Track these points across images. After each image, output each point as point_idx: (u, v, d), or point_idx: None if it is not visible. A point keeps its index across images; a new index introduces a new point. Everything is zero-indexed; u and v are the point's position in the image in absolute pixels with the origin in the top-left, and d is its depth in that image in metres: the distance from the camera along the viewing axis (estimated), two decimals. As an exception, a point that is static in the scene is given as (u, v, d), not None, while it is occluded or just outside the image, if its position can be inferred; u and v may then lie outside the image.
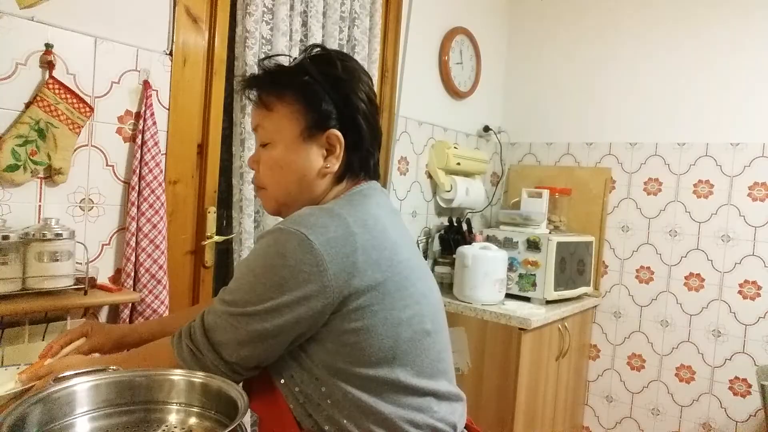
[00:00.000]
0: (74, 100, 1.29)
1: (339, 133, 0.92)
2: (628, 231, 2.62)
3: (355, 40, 1.95)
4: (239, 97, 1.64)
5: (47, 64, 1.27)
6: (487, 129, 2.84)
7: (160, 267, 1.44)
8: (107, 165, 1.42)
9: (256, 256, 0.84)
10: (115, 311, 1.45)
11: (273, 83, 0.93)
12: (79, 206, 1.37)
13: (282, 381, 0.87)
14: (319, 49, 0.97)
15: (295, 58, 0.98)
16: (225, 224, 1.76)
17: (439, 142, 2.53)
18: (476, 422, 1.05)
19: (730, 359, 2.37)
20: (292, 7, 1.71)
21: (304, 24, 1.78)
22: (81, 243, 1.33)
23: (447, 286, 2.41)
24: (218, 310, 0.86)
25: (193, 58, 1.56)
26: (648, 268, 2.56)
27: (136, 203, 1.42)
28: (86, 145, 1.37)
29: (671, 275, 2.51)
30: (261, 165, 0.95)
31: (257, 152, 0.97)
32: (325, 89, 0.91)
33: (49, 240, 1.22)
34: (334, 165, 0.93)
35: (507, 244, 2.43)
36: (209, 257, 1.65)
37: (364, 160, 0.97)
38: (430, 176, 2.55)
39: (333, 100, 0.92)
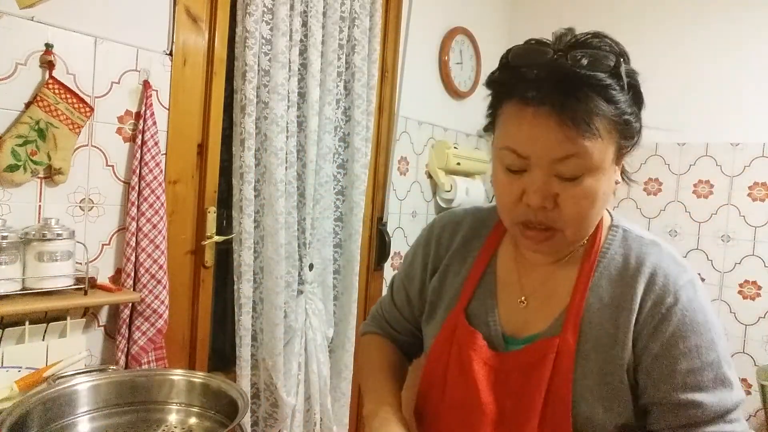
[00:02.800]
0: (74, 100, 1.29)
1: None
2: (628, 231, 2.62)
3: (355, 40, 1.95)
4: (238, 96, 1.64)
5: (47, 64, 1.27)
6: (487, 129, 2.84)
7: (160, 267, 1.44)
8: (107, 165, 1.42)
9: (701, 323, 0.76)
10: (115, 311, 1.45)
11: (603, 95, 0.71)
12: (79, 206, 1.37)
13: None
14: (601, 40, 0.75)
15: (591, 51, 0.72)
16: (225, 224, 1.76)
17: (439, 142, 2.53)
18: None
19: (730, 359, 2.37)
20: (292, 7, 1.71)
21: (304, 24, 1.78)
22: (81, 243, 1.33)
23: (447, 286, 2.41)
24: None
25: (193, 58, 1.56)
26: (648, 268, 2.56)
27: (136, 203, 1.42)
28: (86, 145, 1.37)
29: (671, 275, 2.51)
30: (565, 201, 0.74)
31: (550, 184, 0.73)
32: (632, 98, 0.75)
33: (49, 240, 1.22)
34: (620, 179, 0.82)
35: (507, 244, 2.43)
36: (209, 257, 1.65)
37: None
38: (430, 176, 2.55)
39: (639, 108, 0.77)
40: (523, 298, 0.86)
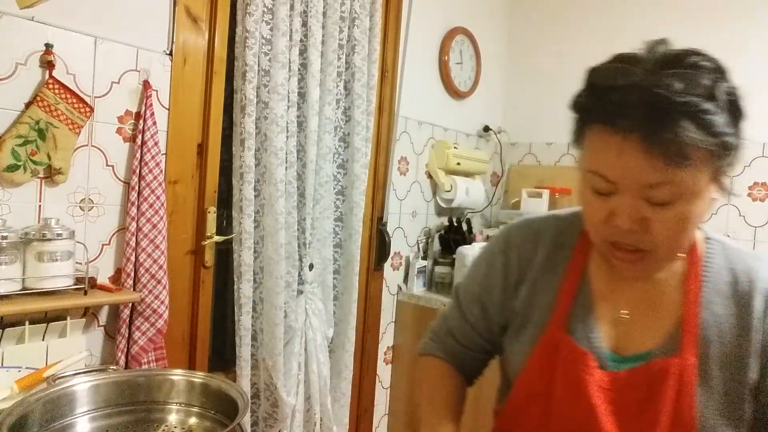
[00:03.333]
0: (74, 100, 1.29)
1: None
2: (628, 231, 2.62)
3: (355, 40, 1.95)
4: (238, 96, 1.64)
5: (47, 64, 1.27)
6: (487, 129, 2.84)
7: (160, 267, 1.44)
8: (107, 165, 1.42)
9: None
10: (115, 311, 1.45)
11: (699, 122, 0.66)
12: (79, 206, 1.37)
13: None
14: (698, 58, 0.71)
15: (685, 66, 0.69)
16: (225, 224, 1.76)
17: (439, 142, 2.53)
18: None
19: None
20: (292, 7, 1.71)
21: (304, 24, 1.78)
22: (81, 243, 1.33)
23: (447, 286, 2.41)
24: None
25: (193, 58, 1.56)
26: (648, 268, 2.56)
27: (136, 203, 1.42)
28: (86, 145, 1.37)
29: (671, 275, 2.51)
30: (657, 225, 0.71)
31: (639, 208, 0.71)
32: (731, 116, 0.72)
33: (49, 240, 1.22)
34: (717, 195, 0.76)
35: (507, 244, 2.43)
36: (209, 257, 1.65)
37: None
38: (430, 176, 2.55)
39: (738, 125, 0.74)
40: (623, 312, 0.83)
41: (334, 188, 2.01)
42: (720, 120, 0.68)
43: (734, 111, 0.72)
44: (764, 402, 0.75)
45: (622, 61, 0.72)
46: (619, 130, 0.68)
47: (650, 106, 0.65)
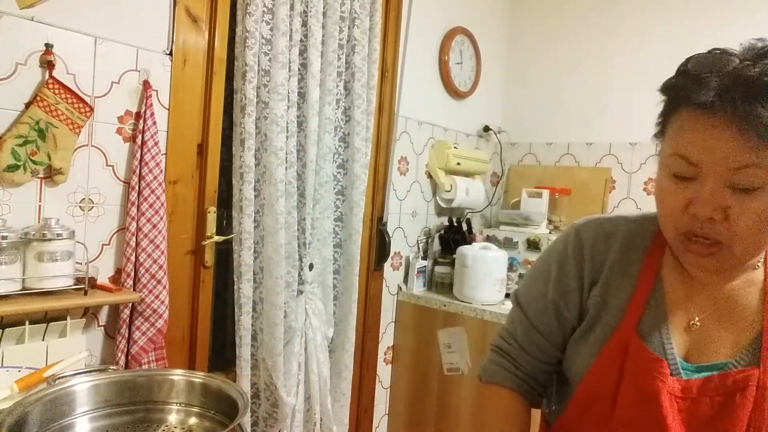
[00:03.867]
0: (74, 100, 1.29)
1: None
2: (628, 231, 2.62)
3: (355, 40, 1.95)
4: (238, 96, 1.64)
5: (47, 64, 1.27)
6: (487, 129, 2.84)
7: (160, 267, 1.44)
8: (107, 165, 1.42)
9: None
10: (115, 311, 1.45)
11: None
12: (79, 206, 1.37)
13: None
14: None
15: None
16: (225, 224, 1.76)
17: (439, 142, 2.53)
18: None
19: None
20: (292, 7, 1.71)
21: (304, 24, 1.78)
22: (81, 243, 1.33)
23: (447, 286, 2.41)
24: None
25: (193, 58, 1.56)
26: (648, 268, 2.56)
27: (136, 203, 1.42)
28: (86, 145, 1.37)
29: (671, 275, 2.51)
30: (738, 215, 0.69)
31: (722, 196, 0.69)
32: None
33: (49, 240, 1.22)
34: None
35: (507, 244, 2.43)
36: (209, 257, 1.65)
37: None
38: (430, 176, 2.55)
39: None
40: (696, 319, 0.80)
41: (334, 188, 2.01)
42: None
43: None
44: None
45: (720, 52, 0.72)
46: (710, 110, 0.67)
47: (744, 87, 0.66)
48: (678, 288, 0.83)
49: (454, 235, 2.52)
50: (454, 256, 2.37)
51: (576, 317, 0.91)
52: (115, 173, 1.43)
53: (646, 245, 0.87)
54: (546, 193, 2.56)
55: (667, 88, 0.75)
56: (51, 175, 1.30)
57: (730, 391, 0.73)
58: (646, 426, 0.77)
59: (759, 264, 0.79)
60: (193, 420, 0.94)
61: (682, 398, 0.76)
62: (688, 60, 0.73)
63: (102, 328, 1.45)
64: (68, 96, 1.28)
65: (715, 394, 0.74)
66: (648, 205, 2.58)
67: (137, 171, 1.42)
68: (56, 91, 1.27)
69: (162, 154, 1.49)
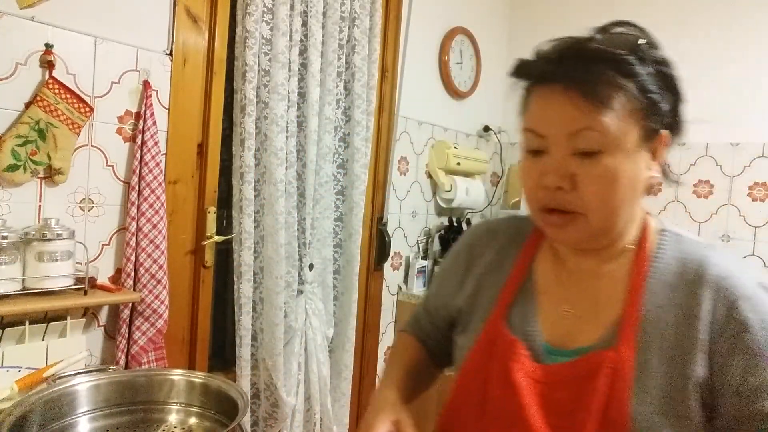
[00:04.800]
0: (74, 100, 1.29)
1: (669, 135, 0.76)
2: (628, 231, 2.62)
3: (355, 40, 1.95)
4: (238, 96, 1.64)
5: (47, 64, 1.27)
6: (487, 129, 2.84)
7: (160, 267, 1.44)
8: (107, 165, 1.42)
9: None
10: (115, 311, 1.45)
11: (618, 69, 0.70)
12: (79, 206, 1.37)
13: None
14: (626, 27, 0.77)
15: (602, 35, 0.75)
16: (225, 224, 1.76)
17: (439, 142, 2.53)
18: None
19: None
20: (292, 7, 1.71)
21: (304, 24, 1.78)
22: (81, 243, 1.33)
23: (447, 286, 2.41)
24: None
25: (193, 58, 1.56)
26: (648, 268, 2.56)
27: (136, 203, 1.42)
28: (86, 145, 1.37)
29: (671, 275, 2.51)
30: (584, 180, 0.71)
31: (567, 164, 0.72)
32: (659, 81, 0.73)
33: (49, 240, 1.22)
34: (657, 174, 0.77)
35: (507, 244, 2.43)
36: (209, 257, 1.65)
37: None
38: (430, 176, 2.55)
39: (670, 95, 0.75)
40: (567, 307, 0.81)
41: (334, 188, 2.01)
42: (644, 75, 0.71)
43: (666, 80, 0.74)
44: (727, 400, 0.70)
45: (569, 36, 0.77)
46: (549, 80, 0.72)
47: (575, 56, 0.71)
48: (550, 277, 0.84)
49: (454, 235, 2.52)
50: (454, 256, 2.37)
51: (450, 311, 0.95)
52: (115, 173, 1.43)
53: (524, 239, 0.90)
54: (546, 193, 2.56)
55: (514, 70, 0.79)
56: (51, 175, 1.30)
57: (586, 374, 0.73)
58: (509, 411, 0.77)
59: (630, 246, 0.79)
60: (193, 420, 0.94)
61: (544, 383, 0.76)
62: (537, 45, 0.78)
63: (102, 328, 1.45)
64: (68, 96, 1.28)
65: (575, 377, 0.74)
66: (648, 205, 2.58)
67: (137, 171, 1.42)
68: (56, 91, 1.27)
69: (162, 154, 1.49)
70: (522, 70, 0.79)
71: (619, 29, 0.75)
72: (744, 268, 0.75)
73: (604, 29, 0.75)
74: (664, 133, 0.74)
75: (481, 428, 0.80)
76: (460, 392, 0.85)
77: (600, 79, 0.69)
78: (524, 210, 0.95)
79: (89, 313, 1.41)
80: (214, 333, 1.83)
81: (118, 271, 1.45)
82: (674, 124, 0.75)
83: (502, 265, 0.89)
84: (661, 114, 0.73)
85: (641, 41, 0.73)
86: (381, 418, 0.76)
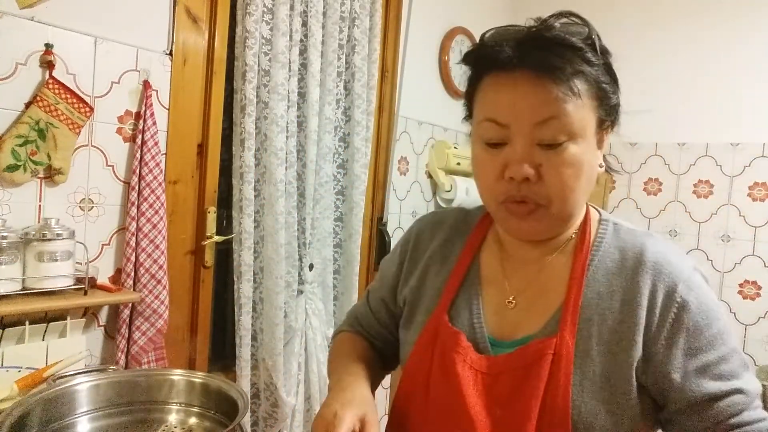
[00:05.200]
0: (74, 100, 1.29)
1: (612, 125, 0.78)
2: (628, 231, 2.62)
3: (355, 40, 1.95)
4: (238, 96, 1.64)
5: (47, 64, 1.27)
6: (466, 118, 2.84)
7: (160, 267, 1.44)
8: (107, 165, 1.42)
9: (716, 310, 0.73)
10: (115, 311, 1.45)
11: (581, 57, 0.70)
12: (79, 206, 1.37)
13: None
14: (570, 18, 0.75)
15: (552, 24, 0.73)
16: (225, 224, 1.76)
17: (439, 142, 2.53)
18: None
19: (730, 359, 2.37)
20: (292, 7, 1.71)
21: (304, 24, 1.78)
22: (81, 243, 1.33)
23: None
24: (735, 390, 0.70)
25: (193, 58, 1.56)
26: (648, 268, 2.56)
27: (136, 203, 1.42)
28: (86, 145, 1.37)
29: (671, 275, 2.51)
30: (549, 171, 0.71)
31: (532, 154, 0.71)
32: (608, 71, 0.74)
33: (49, 240, 1.22)
34: (603, 163, 0.78)
35: (507, 244, 2.43)
36: (209, 257, 1.65)
37: None
38: (430, 176, 2.55)
39: (615, 86, 0.76)
40: (511, 298, 0.80)
41: (334, 188, 2.01)
42: (598, 64, 0.72)
43: (611, 71, 0.75)
44: (666, 383, 0.70)
45: (509, 25, 0.76)
46: (509, 68, 0.70)
47: (537, 42, 0.70)
48: (495, 268, 0.84)
49: (454, 235, 2.51)
50: (454, 256, 2.37)
51: (393, 304, 0.94)
52: (115, 173, 1.43)
53: (469, 230, 0.89)
54: (546, 193, 2.56)
55: (467, 57, 0.77)
56: (51, 175, 1.30)
57: (528, 363, 0.72)
58: (452, 404, 0.76)
59: (573, 235, 0.80)
60: (193, 420, 0.94)
61: (486, 374, 0.75)
62: (483, 34, 0.76)
63: (102, 328, 1.45)
64: (68, 96, 1.28)
65: (516, 367, 0.73)
66: (648, 205, 2.59)
67: (137, 171, 1.42)
68: (56, 91, 1.27)
69: (162, 154, 1.49)
70: (480, 57, 0.75)
71: (563, 20, 0.73)
72: (680, 254, 0.77)
73: (554, 16, 0.74)
74: (609, 123, 0.76)
75: (426, 421, 0.79)
76: (406, 386, 0.84)
77: (568, 65, 0.69)
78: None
79: (89, 313, 1.41)
80: (214, 333, 1.83)
81: (118, 271, 1.45)
82: (616, 115, 0.77)
83: (447, 257, 0.88)
84: (610, 104, 0.74)
85: (593, 32, 0.73)
86: (351, 413, 0.72)
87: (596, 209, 0.83)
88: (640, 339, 0.71)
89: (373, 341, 0.98)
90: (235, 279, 1.69)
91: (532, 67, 0.69)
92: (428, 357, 0.81)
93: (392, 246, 2.30)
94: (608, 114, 0.75)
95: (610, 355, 0.71)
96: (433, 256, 0.89)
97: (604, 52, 0.74)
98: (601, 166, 0.77)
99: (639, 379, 0.71)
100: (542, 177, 0.71)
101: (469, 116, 0.81)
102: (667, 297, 0.71)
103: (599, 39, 0.74)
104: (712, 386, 0.69)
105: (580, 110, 0.70)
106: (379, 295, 0.97)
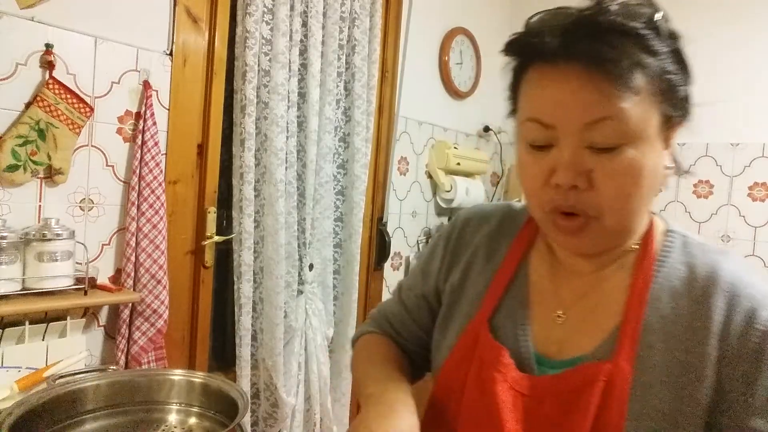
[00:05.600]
0: (74, 100, 1.29)
1: (681, 121, 0.67)
2: (628, 231, 2.62)
3: (355, 40, 1.95)
4: (238, 96, 1.64)
5: (47, 64, 1.27)
6: (487, 129, 2.84)
7: (160, 267, 1.44)
8: (107, 165, 1.42)
9: None
10: (115, 311, 1.45)
11: (641, 45, 0.60)
12: (79, 206, 1.37)
13: None
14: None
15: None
16: (225, 224, 1.76)
17: (439, 142, 2.53)
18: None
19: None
20: (292, 7, 1.71)
21: (304, 24, 1.78)
22: (81, 243, 1.33)
23: (447, 286, 2.41)
24: None
25: (193, 58, 1.56)
26: (648, 268, 2.56)
27: (136, 203, 1.42)
28: (86, 145, 1.37)
29: (671, 275, 2.51)
30: (602, 178, 0.61)
31: (582, 158, 0.61)
32: (676, 60, 0.63)
33: (49, 240, 1.22)
34: (671, 165, 0.67)
35: (507, 244, 2.43)
36: (209, 257, 1.65)
37: None
38: (430, 176, 2.55)
39: (685, 76, 0.65)
40: (560, 312, 0.72)
41: (334, 188, 2.01)
42: (663, 49, 0.61)
43: (679, 57, 0.64)
44: (724, 423, 0.60)
45: (560, 7, 0.65)
46: (555, 60, 0.61)
47: (589, 29, 0.59)
48: (544, 277, 0.75)
49: (454, 235, 2.52)
50: (454, 256, 2.37)
51: (435, 302, 0.86)
52: (115, 173, 1.43)
53: (517, 229, 0.80)
54: (546, 193, 2.56)
55: (509, 46, 0.67)
56: (51, 175, 1.30)
57: (576, 387, 0.64)
58: (485, 424, 0.68)
59: (635, 246, 0.70)
60: (193, 420, 0.94)
61: (529, 396, 0.67)
62: (529, 18, 0.66)
63: (102, 328, 1.45)
64: (68, 96, 1.28)
65: (563, 391, 0.65)
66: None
67: (137, 171, 1.42)
68: (56, 91, 1.27)
69: (162, 154, 1.49)
70: (521, 46, 0.66)
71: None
72: (758, 276, 0.66)
73: (603, 0, 0.61)
74: (678, 118, 0.65)
75: None
76: (437, 399, 0.77)
77: (624, 58, 0.58)
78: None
79: (89, 313, 1.41)
80: (214, 333, 1.83)
81: (118, 271, 1.45)
82: (686, 108, 0.66)
83: (492, 255, 0.80)
84: (678, 97, 0.64)
85: (657, 14, 0.62)
86: (397, 424, 0.64)
87: (662, 219, 0.74)
88: (711, 373, 0.61)
89: (405, 344, 0.89)
90: (235, 279, 1.69)
91: (581, 60, 0.59)
92: (464, 368, 0.73)
93: (392, 246, 2.32)
94: (676, 108, 0.64)
95: (673, 390, 0.61)
96: (477, 252, 0.81)
97: (673, 37, 0.63)
98: (668, 168, 0.66)
99: (709, 421, 0.61)
100: (594, 184, 0.61)
101: (513, 111, 0.70)
102: (747, 324, 0.61)
103: (667, 21, 0.63)
104: None
105: (639, 108, 0.60)
106: (419, 292, 0.88)
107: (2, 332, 1.22)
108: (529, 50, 0.65)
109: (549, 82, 0.62)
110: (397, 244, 2.40)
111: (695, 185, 2.46)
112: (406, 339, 0.89)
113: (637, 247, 0.70)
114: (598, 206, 0.62)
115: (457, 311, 0.79)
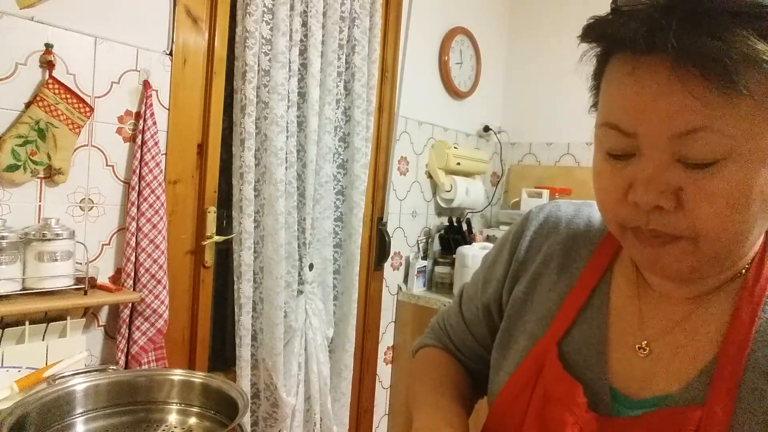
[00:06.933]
0: (74, 100, 1.29)
1: None
2: (628, 231, 2.62)
3: (355, 40, 1.95)
4: (238, 96, 1.64)
5: (47, 64, 1.27)
6: (487, 129, 2.84)
7: (160, 267, 1.44)
8: (107, 165, 1.42)
9: None
10: (115, 311, 1.45)
11: (757, 29, 0.44)
12: (79, 206, 1.37)
13: None
14: None
15: None
16: (225, 224, 1.76)
17: (439, 142, 2.53)
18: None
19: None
20: (292, 7, 1.71)
21: (304, 24, 1.78)
22: (81, 243, 1.33)
23: (447, 286, 2.41)
24: None
25: (193, 58, 1.56)
26: (648, 268, 2.56)
27: (136, 203, 1.42)
28: (86, 145, 1.37)
29: (671, 275, 2.50)
30: (695, 198, 0.48)
31: (670, 174, 0.49)
32: None
33: (49, 240, 1.22)
34: None
35: (507, 244, 2.43)
36: (209, 257, 1.65)
37: None
38: (430, 176, 2.55)
39: None
40: (643, 342, 0.60)
41: (334, 188, 2.01)
42: None
43: None
44: None
45: None
46: (641, 52, 0.48)
47: (684, 12, 0.45)
48: (628, 299, 0.63)
49: (454, 235, 2.52)
50: (454, 256, 2.37)
51: (497, 314, 0.75)
52: (115, 173, 1.43)
53: (598, 239, 0.68)
54: (546, 193, 2.56)
55: (588, 31, 0.53)
56: (51, 175, 1.30)
57: None
58: None
59: (743, 271, 0.58)
60: (193, 420, 0.94)
61: None
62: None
63: (102, 328, 1.45)
64: (68, 96, 1.28)
65: None
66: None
67: (137, 171, 1.42)
68: (56, 91, 1.27)
69: (162, 154, 1.49)
70: (601, 31, 0.52)
71: None
72: None
73: None
74: None
75: None
76: (494, 423, 0.68)
77: (731, 50, 0.43)
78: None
79: (89, 313, 1.41)
80: (214, 333, 1.83)
81: (118, 271, 1.45)
82: None
83: (567, 268, 0.68)
84: None
85: None
86: None
87: None
88: None
89: (466, 361, 0.81)
90: (235, 279, 1.69)
91: (674, 54, 0.45)
92: (524, 399, 0.63)
93: (392, 246, 2.32)
94: None
95: None
96: (549, 261, 0.70)
97: None
98: None
99: None
100: (684, 205, 0.49)
101: (595, 105, 0.57)
102: None
103: None
104: None
105: (750, 114, 0.45)
106: (480, 303, 0.77)
107: (2, 332, 1.22)
108: (611, 35, 0.51)
109: (630, 80, 0.49)
110: (397, 244, 2.40)
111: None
112: (466, 356, 0.81)
113: (744, 272, 0.58)
114: (689, 228, 0.50)
115: (519, 329, 0.69)
